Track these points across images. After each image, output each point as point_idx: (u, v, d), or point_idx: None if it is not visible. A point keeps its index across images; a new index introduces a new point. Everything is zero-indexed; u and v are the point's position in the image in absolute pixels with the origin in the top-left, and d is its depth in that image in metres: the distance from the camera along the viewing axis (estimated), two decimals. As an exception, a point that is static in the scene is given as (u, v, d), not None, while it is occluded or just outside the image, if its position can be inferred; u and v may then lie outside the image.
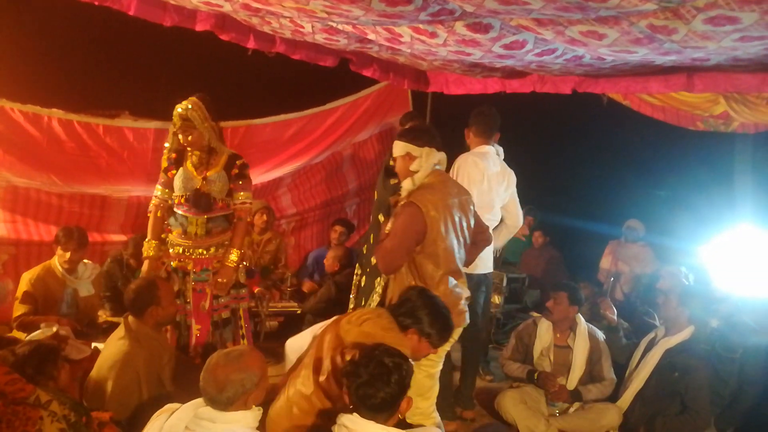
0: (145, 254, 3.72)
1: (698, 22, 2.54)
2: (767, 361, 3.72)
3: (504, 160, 4.12)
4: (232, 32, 3.69)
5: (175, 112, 3.57)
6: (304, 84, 6.50)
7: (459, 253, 3.14)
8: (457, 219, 3.11)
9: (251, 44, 3.86)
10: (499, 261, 5.54)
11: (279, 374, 3.17)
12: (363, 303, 3.77)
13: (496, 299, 5.50)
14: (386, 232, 3.17)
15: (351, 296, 4.20)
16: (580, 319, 4.03)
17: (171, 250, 3.73)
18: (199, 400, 2.27)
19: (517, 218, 4.19)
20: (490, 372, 4.87)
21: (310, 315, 5.05)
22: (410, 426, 2.85)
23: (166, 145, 3.82)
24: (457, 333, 3.13)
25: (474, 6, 2.56)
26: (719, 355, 3.72)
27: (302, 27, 3.55)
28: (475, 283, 3.94)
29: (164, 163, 3.81)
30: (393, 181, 3.83)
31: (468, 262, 3.44)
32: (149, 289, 3.16)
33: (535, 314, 4.33)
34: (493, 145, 4.05)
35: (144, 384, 2.96)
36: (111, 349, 3.07)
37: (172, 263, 3.72)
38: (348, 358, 2.50)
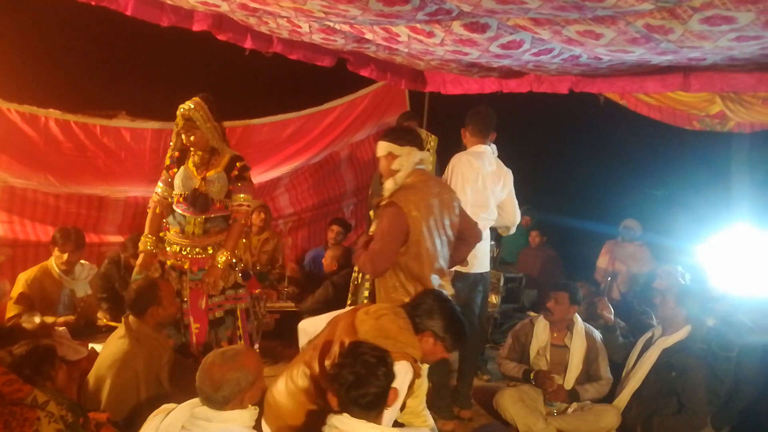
0: (141, 248, 3.71)
1: (694, 21, 2.55)
2: (763, 360, 3.73)
3: (501, 159, 4.13)
4: (229, 32, 3.69)
5: (178, 112, 3.57)
6: (301, 84, 6.49)
7: (442, 252, 3.16)
8: (439, 218, 3.13)
9: (248, 44, 3.86)
10: (497, 260, 5.55)
11: (275, 374, 3.17)
12: (357, 302, 3.77)
13: (494, 299, 5.50)
14: (370, 234, 3.18)
15: (349, 296, 4.20)
16: (577, 318, 4.03)
17: (168, 249, 3.72)
18: (196, 400, 2.27)
19: (513, 217, 4.20)
20: (488, 371, 4.87)
21: (308, 315, 5.04)
22: (401, 425, 2.86)
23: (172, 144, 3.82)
24: None
25: (471, 5, 2.57)
26: (715, 353, 3.72)
27: (299, 27, 3.55)
28: (472, 282, 3.95)
29: (167, 161, 3.80)
30: None
31: (460, 260, 3.44)
32: (151, 289, 3.17)
33: (532, 314, 4.34)
34: (489, 145, 4.06)
35: (143, 384, 2.96)
36: (111, 348, 3.08)
37: (168, 261, 3.71)
38: (327, 363, 2.52)
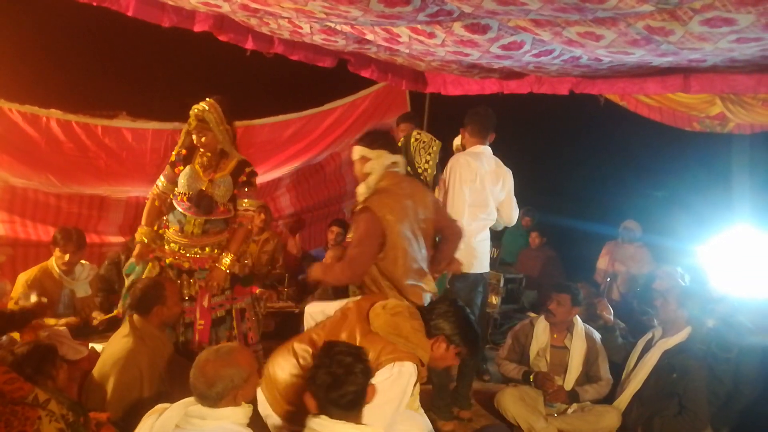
0: (137, 239, 3.70)
1: (695, 23, 2.55)
2: (763, 361, 3.73)
3: (501, 160, 4.13)
4: (230, 33, 3.70)
5: (191, 112, 3.55)
6: (302, 85, 6.51)
7: (420, 253, 3.15)
8: (414, 219, 3.13)
9: (250, 45, 3.87)
10: (496, 261, 5.54)
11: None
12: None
13: (493, 299, 5.50)
14: (348, 240, 3.18)
15: (349, 296, 4.20)
16: (577, 319, 4.03)
17: (166, 247, 3.71)
18: (189, 399, 2.27)
19: (510, 216, 4.20)
20: (488, 372, 4.87)
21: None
22: None
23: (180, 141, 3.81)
24: None
25: (472, 7, 2.57)
26: (715, 354, 3.73)
27: (300, 28, 3.56)
28: (472, 282, 3.95)
29: (173, 157, 3.78)
30: None
31: (446, 259, 3.44)
32: (156, 288, 3.19)
33: (532, 314, 4.33)
34: (487, 146, 4.07)
35: (146, 382, 2.97)
36: (114, 346, 3.09)
37: (166, 259, 3.71)
38: (302, 362, 2.52)
